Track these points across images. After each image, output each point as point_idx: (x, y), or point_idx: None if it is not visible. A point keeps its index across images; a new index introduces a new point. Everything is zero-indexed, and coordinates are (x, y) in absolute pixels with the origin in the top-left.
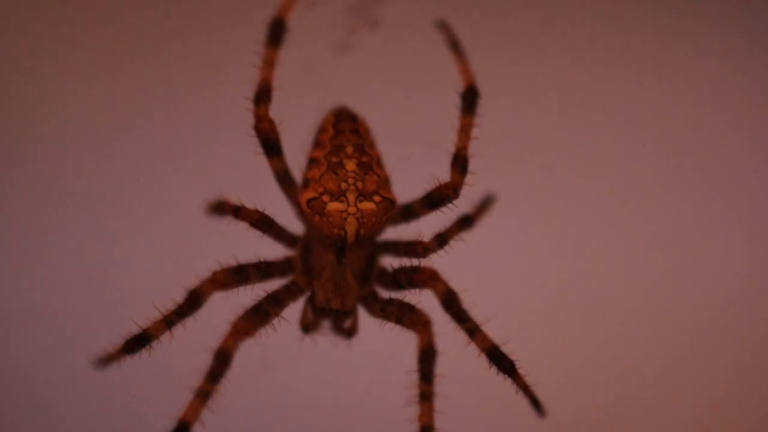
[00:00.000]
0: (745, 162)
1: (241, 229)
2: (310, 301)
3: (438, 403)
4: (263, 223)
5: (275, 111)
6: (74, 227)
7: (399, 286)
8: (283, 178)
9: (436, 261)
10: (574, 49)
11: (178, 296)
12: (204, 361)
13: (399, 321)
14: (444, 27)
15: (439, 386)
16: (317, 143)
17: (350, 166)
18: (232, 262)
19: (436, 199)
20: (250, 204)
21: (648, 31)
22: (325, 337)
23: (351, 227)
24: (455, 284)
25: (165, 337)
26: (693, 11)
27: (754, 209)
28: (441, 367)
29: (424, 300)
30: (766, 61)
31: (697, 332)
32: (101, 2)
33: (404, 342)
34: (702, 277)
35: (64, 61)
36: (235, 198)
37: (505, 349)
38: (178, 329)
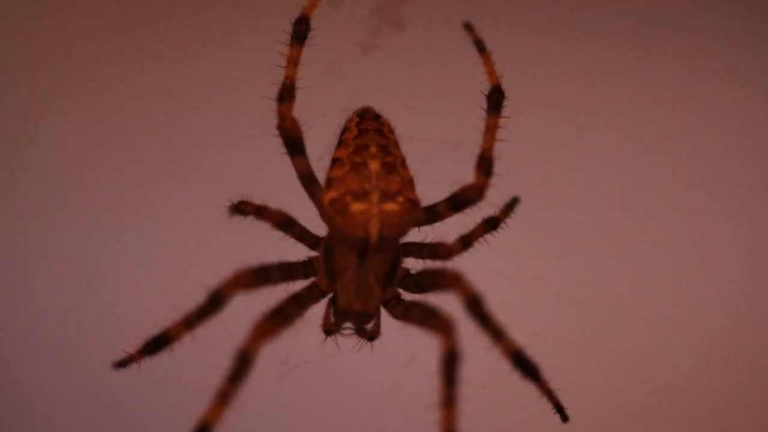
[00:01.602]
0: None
1: (263, 229)
2: (333, 303)
3: (461, 408)
4: (285, 223)
5: (299, 111)
6: (96, 228)
7: (422, 288)
8: (306, 178)
9: (461, 263)
10: (598, 50)
11: (200, 297)
12: (225, 363)
13: (422, 324)
14: (469, 27)
15: (463, 390)
16: (341, 143)
17: (374, 166)
18: (255, 263)
19: (460, 200)
20: (272, 204)
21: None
22: (348, 340)
23: (374, 228)
24: (479, 287)
25: (187, 339)
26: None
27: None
28: (465, 370)
29: (448, 303)
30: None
31: (706, 335)
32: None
33: (427, 345)
34: (711, 280)
35: (82, 57)
36: (257, 198)
37: (529, 354)
38: (200, 331)
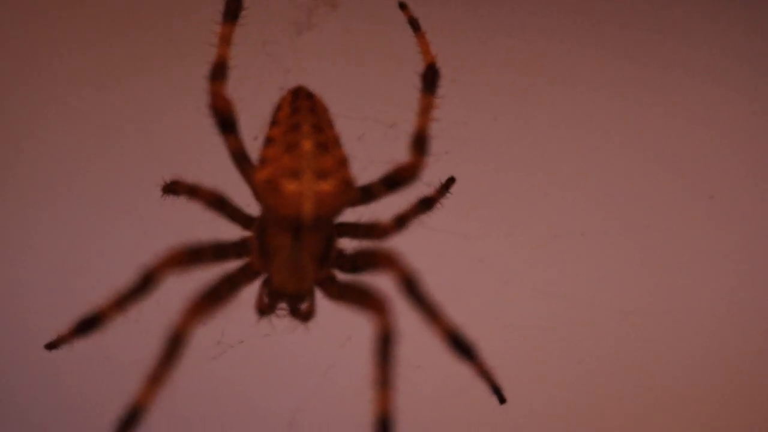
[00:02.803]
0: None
1: (196, 209)
2: (266, 283)
3: (396, 389)
4: (218, 203)
5: (233, 90)
6: (27, 206)
7: (357, 269)
8: (239, 157)
9: (400, 245)
10: (543, 31)
11: (132, 277)
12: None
13: (356, 304)
14: (404, 6)
15: (398, 371)
16: (274, 122)
17: (307, 145)
18: (187, 242)
19: (395, 180)
20: (205, 184)
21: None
22: (283, 321)
23: (307, 208)
24: (415, 266)
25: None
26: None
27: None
28: (401, 351)
29: (385, 284)
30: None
31: (646, 315)
32: None
33: (364, 326)
34: (652, 260)
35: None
36: (189, 177)
37: (465, 333)
38: (133, 311)
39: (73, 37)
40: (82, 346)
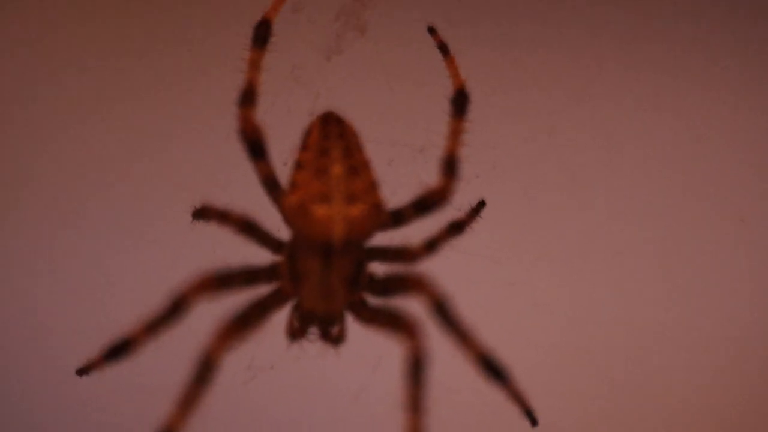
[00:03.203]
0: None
1: (226, 235)
2: (297, 307)
3: (427, 413)
4: (248, 228)
5: (263, 115)
6: (57, 229)
7: (388, 292)
8: (269, 182)
9: (431, 268)
10: (567, 52)
11: (163, 302)
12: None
13: (387, 328)
14: (433, 31)
15: (430, 395)
16: (304, 147)
17: (337, 169)
18: (218, 267)
19: (425, 203)
20: (235, 209)
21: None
22: (313, 345)
23: (338, 232)
24: (446, 290)
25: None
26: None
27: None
28: (434, 374)
29: (416, 307)
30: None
31: (682, 339)
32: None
33: (395, 349)
34: (688, 284)
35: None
36: (220, 203)
37: (498, 357)
38: (164, 337)
39: (115, 57)
40: (113, 371)
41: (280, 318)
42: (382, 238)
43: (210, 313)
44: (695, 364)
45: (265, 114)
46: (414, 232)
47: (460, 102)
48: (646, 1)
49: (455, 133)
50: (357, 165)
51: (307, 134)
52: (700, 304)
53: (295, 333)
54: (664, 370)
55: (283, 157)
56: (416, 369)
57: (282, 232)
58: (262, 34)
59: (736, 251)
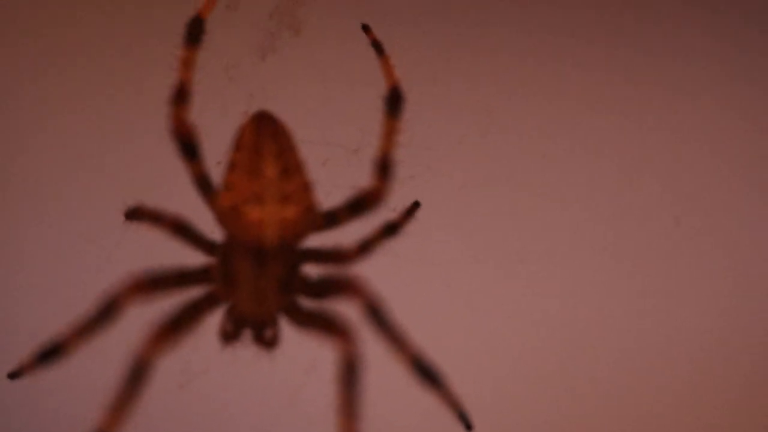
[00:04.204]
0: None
1: (158, 236)
2: (230, 310)
3: (362, 416)
4: (181, 229)
5: (196, 115)
6: None
7: (321, 295)
8: (202, 183)
9: (365, 271)
10: (503, 51)
11: (95, 304)
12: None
13: (320, 331)
14: (367, 29)
15: (364, 398)
16: (236, 147)
17: (270, 171)
18: (150, 269)
19: (359, 205)
20: (168, 210)
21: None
22: (246, 349)
23: (270, 234)
24: (380, 293)
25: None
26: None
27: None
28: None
29: (350, 310)
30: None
31: (618, 338)
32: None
33: (329, 352)
34: (618, 285)
35: None
36: (152, 204)
37: (430, 361)
38: (96, 340)
39: (36, 61)
40: (46, 374)
41: (217, 321)
42: (315, 240)
43: (144, 316)
44: (638, 364)
45: (197, 113)
46: (348, 234)
47: (394, 101)
48: None
49: (389, 134)
50: (291, 166)
51: (240, 134)
52: (650, 304)
53: (228, 336)
54: (606, 371)
55: (216, 157)
56: (350, 373)
57: (215, 233)
58: (194, 32)
59: (675, 251)
